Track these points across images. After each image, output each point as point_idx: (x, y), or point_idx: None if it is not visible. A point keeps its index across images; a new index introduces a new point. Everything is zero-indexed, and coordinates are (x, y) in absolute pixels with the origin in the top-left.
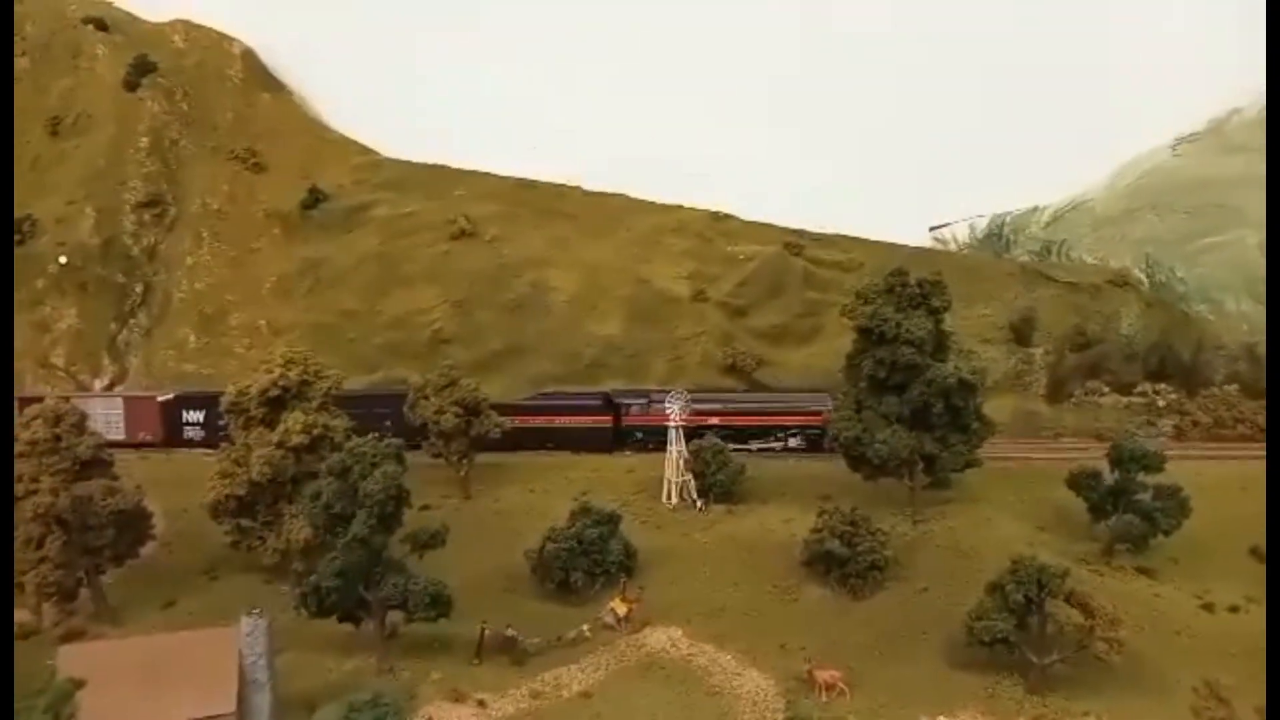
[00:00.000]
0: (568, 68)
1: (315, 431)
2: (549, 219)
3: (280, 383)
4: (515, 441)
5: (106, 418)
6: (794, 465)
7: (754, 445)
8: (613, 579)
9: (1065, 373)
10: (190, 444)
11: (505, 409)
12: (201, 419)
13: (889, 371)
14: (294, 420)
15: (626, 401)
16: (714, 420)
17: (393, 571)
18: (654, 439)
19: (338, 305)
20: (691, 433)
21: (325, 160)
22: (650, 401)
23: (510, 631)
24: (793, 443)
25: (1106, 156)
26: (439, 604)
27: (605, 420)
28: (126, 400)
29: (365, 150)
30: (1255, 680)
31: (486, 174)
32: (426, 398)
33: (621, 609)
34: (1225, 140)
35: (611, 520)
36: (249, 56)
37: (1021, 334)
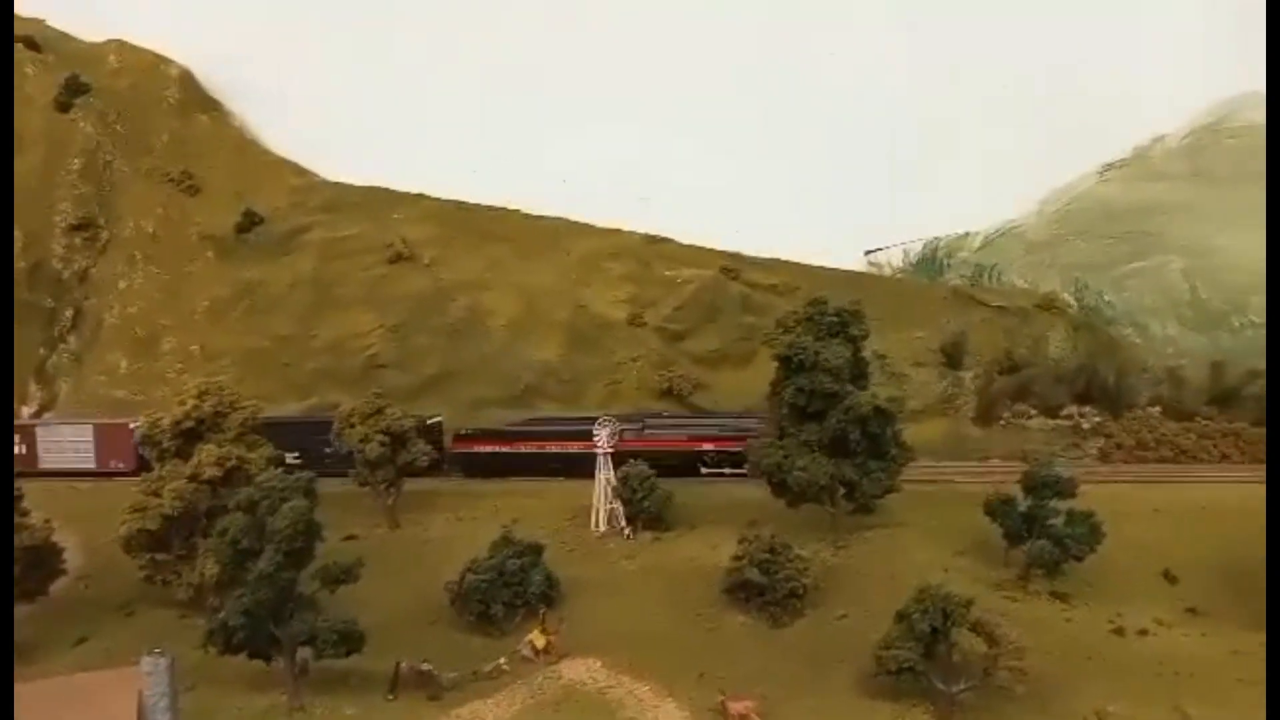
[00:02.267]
0: (507, 90)
1: (229, 464)
2: (487, 242)
3: (194, 414)
4: (506, 468)
5: (76, 446)
6: (724, 490)
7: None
8: (535, 610)
9: (994, 395)
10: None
11: (495, 436)
12: None
13: (808, 399)
14: (207, 453)
15: (621, 427)
16: (709, 445)
17: (304, 608)
18: (649, 465)
19: (272, 330)
20: (691, 457)
21: (262, 182)
22: (645, 426)
23: (426, 666)
24: None
25: (1036, 183)
26: (348, 641)
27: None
28: (97, 428)
29: (303, 172)
30: (1155, 703)
31: (425, 196)
32: (353, 425)
33: (540, 641)
34: (1150, 168)
35: (534, 551)
36: (186, 78)
37: (952, 357)
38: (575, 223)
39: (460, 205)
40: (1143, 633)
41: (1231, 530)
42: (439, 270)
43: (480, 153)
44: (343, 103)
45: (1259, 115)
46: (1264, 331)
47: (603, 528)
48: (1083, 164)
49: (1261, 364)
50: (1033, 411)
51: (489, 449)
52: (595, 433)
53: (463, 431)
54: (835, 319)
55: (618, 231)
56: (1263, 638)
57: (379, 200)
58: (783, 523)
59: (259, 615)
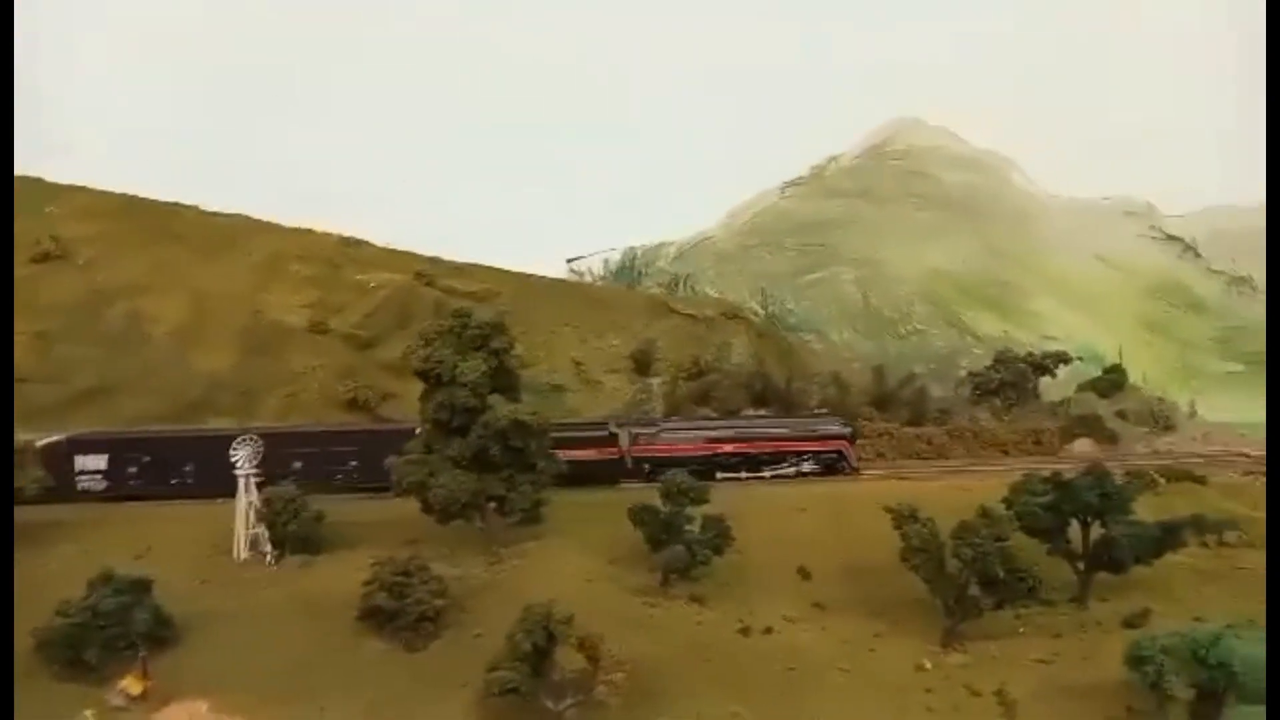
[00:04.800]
0: (187, 71)
1: None
2: (156, 240)
3: None
4: None
5: None
6: (385, 508)
7: (767, 471)
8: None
9: (679, 401)
10: (85, 497)
11: None
12: (103, 466)
13: (450, 414)
14: None
15: (636, 431)
16: (728, 447)
17: None
18: (663, 470)
19: None
20: (706, 461)
21: None
22: (660, 430)
23: None
24: (807, 468)
25: (724, 197)
26: None
27: (613, 452)
28: None
29: None
30: (767, 701)
31: (87, 189)
32: None
33: (135, 687)
34: (825, 185)
35: (138, 587)
36: None
37: (641, 364)
38: (260, 221)
39: (129, 200)
40: (768, 630)
41: (862, 526)
42: (96, 271)
43: (157, 143)
44: None
45: (917, 139)
46: (926, 338)
47: (245, 554)
48: (767, 180)
49: (921, 368)
50: (714, 415)
51: None
52: (233, 452)
53: None
54: (477, 332)
55: (309, 232)
56: (875, 627)
57: (30, 192)
58: (444, 539)
59: None
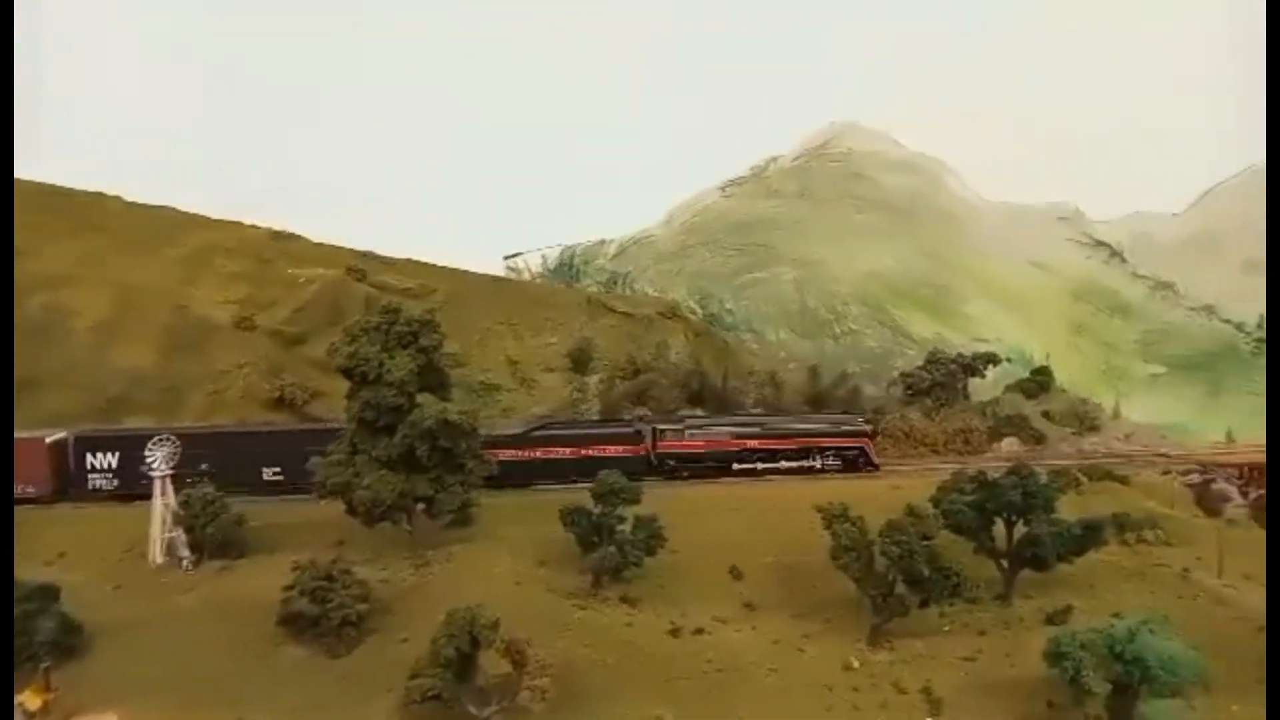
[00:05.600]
0: (114, 54)
1: None
2: (79, 232)
3: None
4: (532, 476)
5: None
6: (311, 510)
7: (784, 464)
8: (55, 663)
9: (615, 400)
10: (95, 495)
11: (511, 441)
12: (114, 464)
13: (377, 413)
14: None
15: (661, 427)
16: (753, 444)
17: None
18: (689, 467)
19: None
20: (730, 457)
21: None
22: (686, 428)
23: None
24: (830, 464)
25: (664, 195)
26: None
27: (638, 449)
28: None
29: None
30: (695, 703)
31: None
32: None
33: (34, 701)
34: (766, 185)
35: (42, 594)
36: None
37: (578, 362)
38: (188, 213)
39: (50, 189)
40: (698, 631)
41: (790, 526)
42: (15, 262)
43: (81, 130)
44: None
45: (856, 142)
46: (861, 338)
47: (161, 559)
48: (707, 179)
49: (854, 368)
50: (650, 415)
51: (508, 457)
52: (149, 453)
53: None
54: (406, 328)
55: (238, 225)
56: (805, 627)
57: None
58: (372, 541)
59: None
